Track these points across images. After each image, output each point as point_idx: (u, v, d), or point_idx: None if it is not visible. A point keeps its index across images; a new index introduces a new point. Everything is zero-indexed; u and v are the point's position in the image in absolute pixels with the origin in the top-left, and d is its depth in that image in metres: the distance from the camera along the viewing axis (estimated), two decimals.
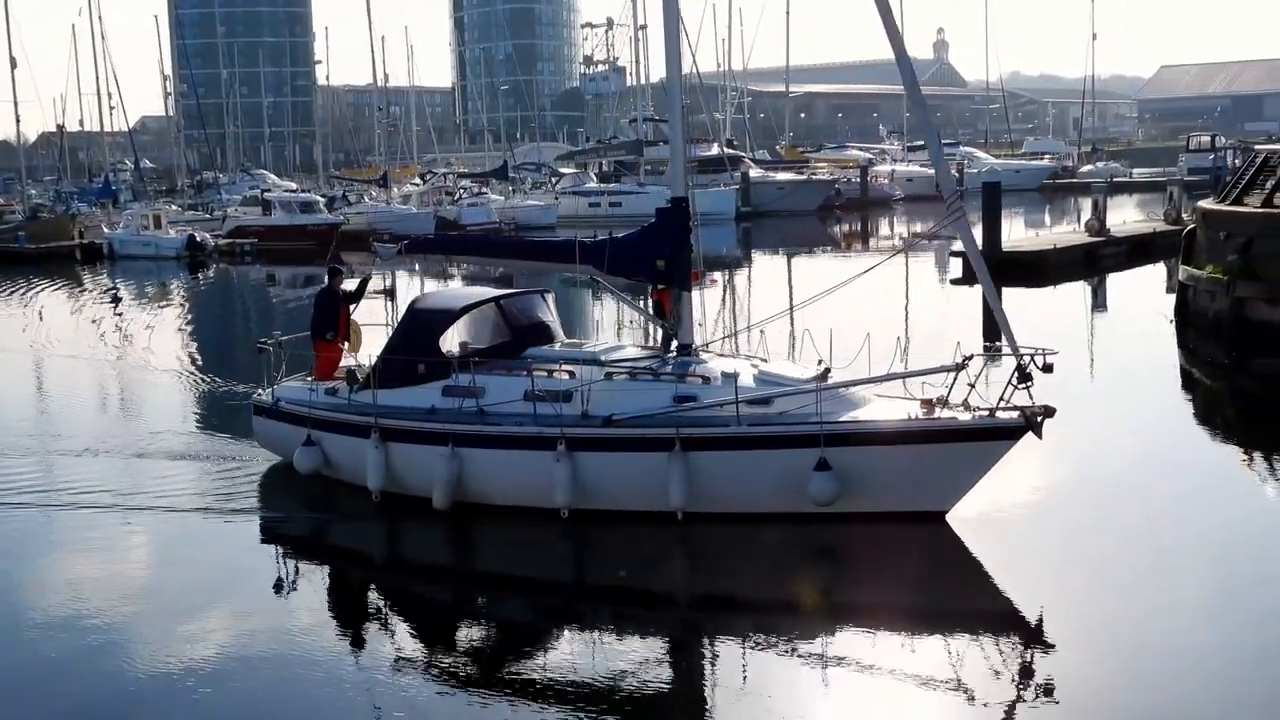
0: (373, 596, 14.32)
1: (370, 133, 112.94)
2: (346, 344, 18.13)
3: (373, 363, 16.78)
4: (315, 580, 14.78)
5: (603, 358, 16.10)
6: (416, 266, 45.28)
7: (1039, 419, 13.92)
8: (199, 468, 18.72)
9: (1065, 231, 52.60)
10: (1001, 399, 14.21)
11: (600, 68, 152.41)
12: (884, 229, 73.98)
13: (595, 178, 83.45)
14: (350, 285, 18.92)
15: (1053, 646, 11.48)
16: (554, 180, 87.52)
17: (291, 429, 17.32)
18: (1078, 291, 37.64)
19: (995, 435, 14.25)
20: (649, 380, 15.62)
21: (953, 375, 14.45)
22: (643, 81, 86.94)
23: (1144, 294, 36.55)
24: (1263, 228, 26.28)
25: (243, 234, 65.62)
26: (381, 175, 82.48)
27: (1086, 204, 52.09)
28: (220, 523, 16.21)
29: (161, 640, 12.18)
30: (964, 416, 14.38)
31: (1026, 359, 14.03)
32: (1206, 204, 31.35)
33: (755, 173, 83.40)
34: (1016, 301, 32.82)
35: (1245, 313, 25.59)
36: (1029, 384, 13.97)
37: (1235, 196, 29.63)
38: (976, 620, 12.38)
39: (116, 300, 46.91)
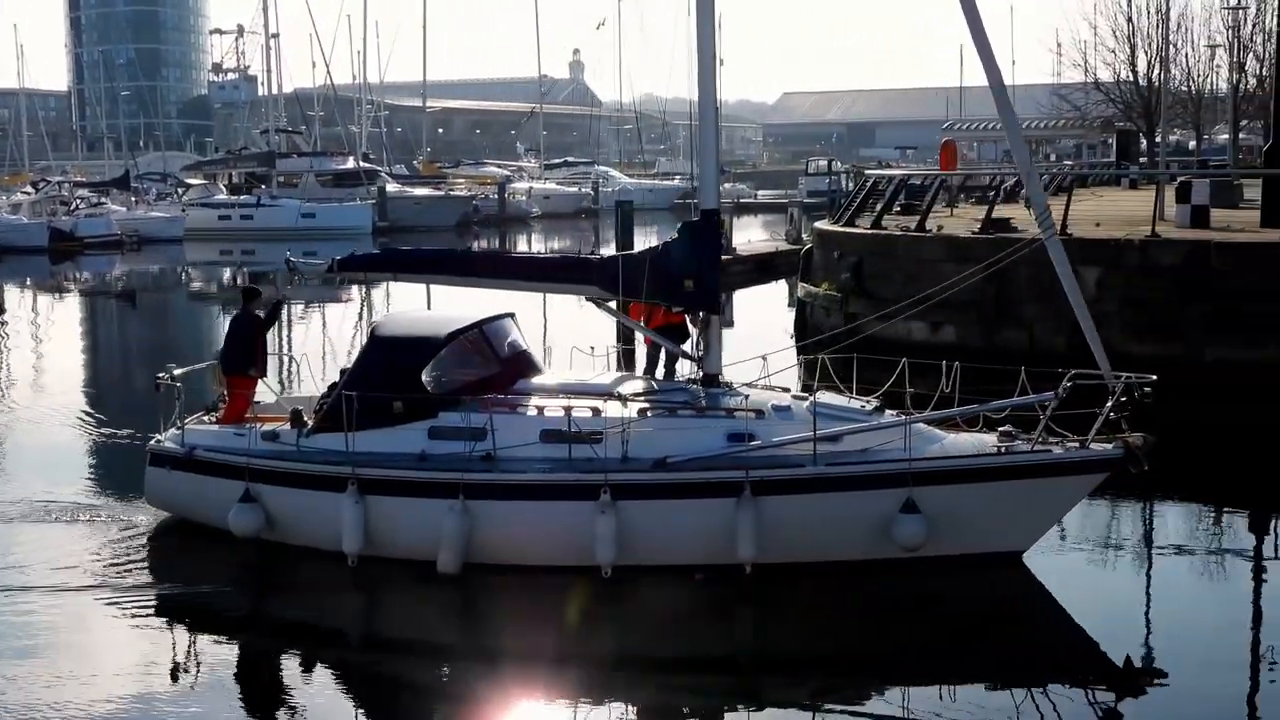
0: (364, 687, 11.80)
1: None
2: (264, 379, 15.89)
3: (334, 398, 14.01)
4: (277, 670, 12.14)
5: (617, 391, 14.11)
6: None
7: (1139, 451, 12.90)
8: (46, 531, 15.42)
9: None
10: (1095, 428, 13.06)
11: (230, 76, 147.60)
12: (522, 245, 74.57)
13: (225, 189, 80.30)
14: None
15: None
16: (180, 191, 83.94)
17: (218, 483, 14.29)
18: None
19: (1090, 469, 13.28)
20: (691, 416, 13.90)
21: (1050, 405, 13.14)
22: (275, 91, 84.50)
23: (767, 310, 38.21)
24: (872, 248, 27.99)
25: None
26: None
27: None
28: (125, 602, 13.24)
29: None
30: (1056, 449, 13.26)
31: (1119, 385, 12.99)
32: (822, 225, 33.22)
33: (392, 187, 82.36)
34: None
35: (857, 328, 27.14)
36: (1126, 412, 13.04)
37: (848, 218, 31.49)
38: (1064, 668, 11.75)
39: None
